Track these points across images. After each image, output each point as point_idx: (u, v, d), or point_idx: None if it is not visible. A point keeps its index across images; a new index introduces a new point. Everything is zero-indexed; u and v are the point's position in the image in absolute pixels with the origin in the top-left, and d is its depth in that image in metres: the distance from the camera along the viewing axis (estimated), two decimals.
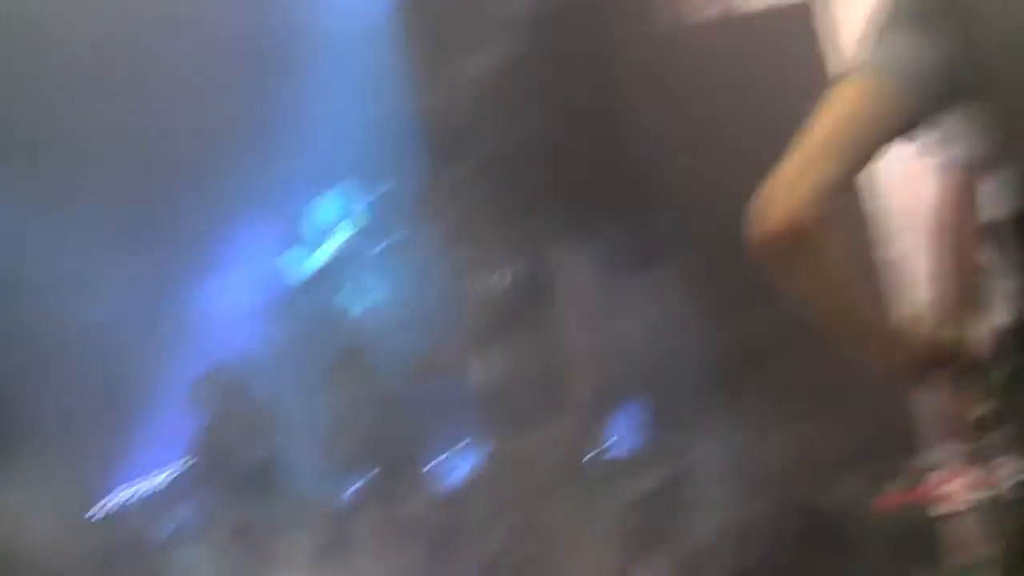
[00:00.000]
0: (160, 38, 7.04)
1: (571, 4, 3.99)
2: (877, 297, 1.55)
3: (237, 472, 6.27)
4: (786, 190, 1.42)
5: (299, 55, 7.25)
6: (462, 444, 6.44)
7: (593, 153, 3.97)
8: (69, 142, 7.24)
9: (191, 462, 6.48)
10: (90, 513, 6.44)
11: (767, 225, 1.42)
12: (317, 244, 8.54)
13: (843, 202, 1.45)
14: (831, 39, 4.30)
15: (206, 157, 7.82)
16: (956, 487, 3.52)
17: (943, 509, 3.69)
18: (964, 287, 2.10)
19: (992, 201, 1.52)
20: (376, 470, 6.14)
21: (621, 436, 5.64)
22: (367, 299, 8.43)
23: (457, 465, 7.12)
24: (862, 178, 1.50)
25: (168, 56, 7.17)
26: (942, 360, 1.55)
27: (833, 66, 4.10)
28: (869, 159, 1.46)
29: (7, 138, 6.88)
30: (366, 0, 5.65)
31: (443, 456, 7.20)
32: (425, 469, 6.28)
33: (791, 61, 4.27)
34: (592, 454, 3.69)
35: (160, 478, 7.51)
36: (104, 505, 6.74)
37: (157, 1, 6.71)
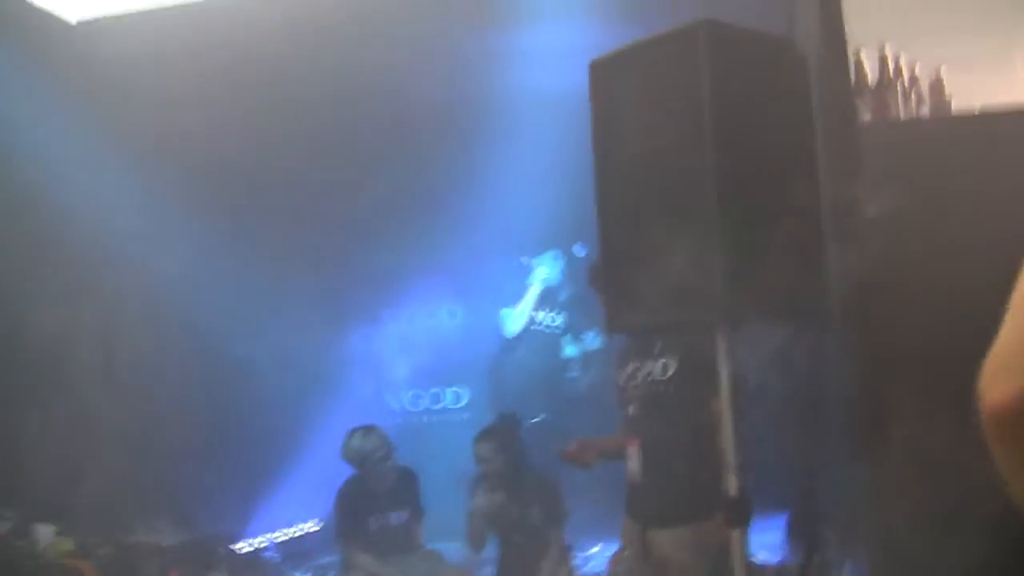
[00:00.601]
0: (362, 106, 7.30)
1: (768, 87, 3.79)
2: None
3: (377, 530, 6.22)
4: (1016, 362, 1.25)
5: (491, 124, 7.34)
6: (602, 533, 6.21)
7: (775, 242, 3.73)
8: (271, 194, 7.55)
9: (332, 515, 6.46)
10: (229, 553, 6.46)
11: (997, 401, 1.25)
12: (497, 310, 8.53)
13: None
14: None
15: (389, 218, 8.00)
16: None
17: None
18: None
19: None
20: (515, 545, 5.98)
21: (766, 544, 5.29)
22: (531, 372, 8.35)
23: (597, 553, 6.90)
24: None
25: (367, 122, 7.43)
26: None
27: None
28: None
29: (214, 189, 7.20)
30: (558, 79, 5.69)
31: (584, 542, 7.00)
32: (565, 551, 6.08)
33: (1009, 170, 3.94)
34: (734, 559, 3.41)
35: (301, 527, 7.53)
36: (244, 547, 6.77)
37: (359, 70, 6.93)
